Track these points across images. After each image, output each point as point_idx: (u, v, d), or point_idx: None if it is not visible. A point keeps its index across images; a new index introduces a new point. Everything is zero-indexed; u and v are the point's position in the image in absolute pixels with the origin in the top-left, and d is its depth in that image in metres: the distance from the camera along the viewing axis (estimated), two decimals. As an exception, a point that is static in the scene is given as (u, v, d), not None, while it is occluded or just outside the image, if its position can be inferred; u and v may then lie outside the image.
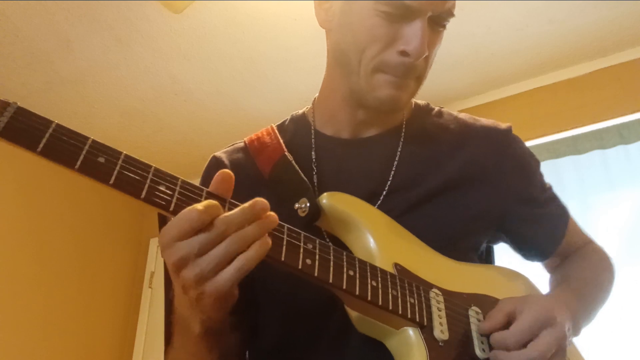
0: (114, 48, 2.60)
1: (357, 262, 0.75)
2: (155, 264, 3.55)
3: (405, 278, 0.79)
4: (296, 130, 1.02)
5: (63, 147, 0.60)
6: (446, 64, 2.73)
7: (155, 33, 2.53)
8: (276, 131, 1.00)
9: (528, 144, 1.06)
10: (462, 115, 1.04)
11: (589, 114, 2.66)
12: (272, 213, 0.66)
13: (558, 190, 1.07)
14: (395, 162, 0.94)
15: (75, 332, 3.12)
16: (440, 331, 0.77)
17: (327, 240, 0.85)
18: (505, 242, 1.03)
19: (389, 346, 0.78)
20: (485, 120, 1.03)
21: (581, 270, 1.01)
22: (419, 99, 1.07)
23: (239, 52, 2.66)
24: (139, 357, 3.31)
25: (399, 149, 0.96)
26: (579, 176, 2.64)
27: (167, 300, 1.01)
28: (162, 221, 0.67)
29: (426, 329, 0.76)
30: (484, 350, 0.79)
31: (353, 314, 0.79)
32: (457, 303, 0.82)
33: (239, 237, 0.62)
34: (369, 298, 0.73)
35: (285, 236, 0.70)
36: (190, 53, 2.65)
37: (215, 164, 1.01)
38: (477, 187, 0.93)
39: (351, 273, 0.73)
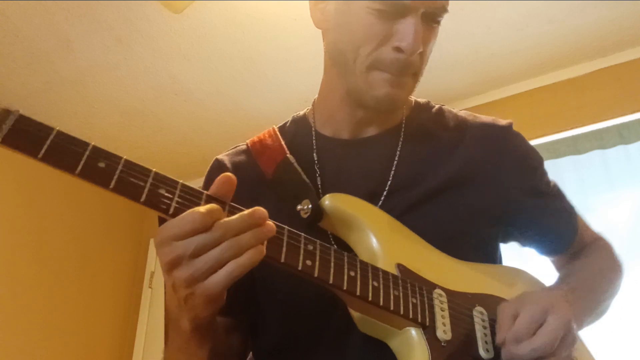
0: (114, 48, 2.60)
1: (358, 263, 0.75)
2: (155, 264, 3.55)
3: (407, 278, 0.79)
4: (297, 131, 1.03)
5: (64, 152, 0.62)
6: (446, 64, 2.73)
7: (155, 33, 2.53)
8: (278, 133, 1.00)
9: (528, 144, 1.06)
10: (462, 113, 1.04)
11: (589, 114, 2.66)
12: (271, 222, 0.67)
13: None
14: (395, 162, 0.94)
15: (75, 332, 3.12)
16: (443, 331, 0.77)
17: (332, 241, 0.85)
18: (518, 239, 1.02)
19: (392, 346, 0.78)
20: (485, 117, 1.03)
21: (586, 265, 1.00)
22: (420, 98, 1.07)
23: (239, 52, 2.66)
24: (139, 357, 3.31)
25: (399, 148, 0.96)
26: (579, 176, 2.65)
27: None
28: (163, 222, 0.67)
29: (429, 329, 0.76)
30: (487, 350, 0.79)
31: (355, 314, 0.79)
32: (460, 303, 0.82)
33: (235, 243, 0.63)
34: (370, 298, 0.73)
35: (285, 238, 0.70)
36: (190, 53, 2.65)
37: (218, 167, 1.01)
38: (479, 183, 0.93)
39: (352, 274, 0.73)
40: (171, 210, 0.65)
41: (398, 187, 0.91)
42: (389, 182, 0.91)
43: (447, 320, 0.78)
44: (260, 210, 0.66)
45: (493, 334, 0.80)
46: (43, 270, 3.03)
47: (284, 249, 0.69)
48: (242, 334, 0.95)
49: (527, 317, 0.76)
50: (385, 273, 0.77)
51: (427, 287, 0.80)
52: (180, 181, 0.68)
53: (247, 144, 1.03)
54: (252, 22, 2.49)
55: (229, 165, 1.00)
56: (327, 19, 0.94)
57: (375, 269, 0.76)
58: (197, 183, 1.02)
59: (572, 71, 2.78)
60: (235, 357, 0.95)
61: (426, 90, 0.95)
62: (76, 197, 3.15)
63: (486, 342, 0.79)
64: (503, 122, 1.02)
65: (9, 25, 2.42)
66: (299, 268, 0.70)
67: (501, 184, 0.95)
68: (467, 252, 0.90)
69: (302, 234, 0.73)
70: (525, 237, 1.02)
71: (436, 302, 0.79)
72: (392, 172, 0.92)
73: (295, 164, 0.92)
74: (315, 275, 0.70)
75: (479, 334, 0.80)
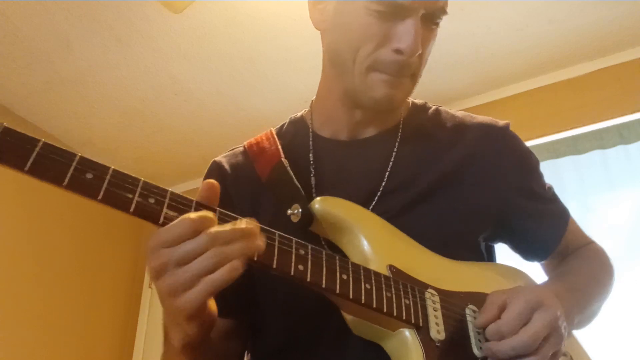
0: (114, 48, 2.60)
1: (350, 266, 0.75)
2: (155, 264, 3.55)
3: (399, 279, 0.78)
4: (295, 133, 1.02)
5: (50, 165, 0.61)
6: (446, 64, 2.73)
7: (155, 33, 2.53)
8: (275, 135, 1.00)
9: (528, 144, 1.05)
10: (460, 113, 1.04)
11: (589, 114, 2.66)
12: (261, 239, 0.66)
13: (558, 190, 1.06)
14: (391, 162, 0.94)
15: (75, 332, 3.13)
16: (437, 331, 0.77)
17: (324, 244, 0.85)
18: (505, 240, 1.02)
19: (386, 348, 0.78)
20: (482, 118, 1.03)
21: (577, 267, 1.00)
22: (418, 98, 1.07)
23: (239, 52, 2.66)
24: (139, 357, 3.31)
25: (395, 149, 0.96)
26: (579, 176, 2.64)
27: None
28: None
29: (422, 330, 0.76)
30: (481, 348, 0.79)
31: (349, 317, 0.79)
32: (453, 302, 0.82)
33: (216, 254, 0.61)
34: (363, 301, 0.73)
35: (276, 243, 0.70)
36: (190, 53, 2.66)
37: (216, 169, 1.01)
38: (474, 181, 0.93)
39: (344, 277, 0.73)
40: (161, 220, 0.64)
41: (393, 188, 0.91)
42: (384, 182, 0.91)
43: (440, 320, 0.78)
44: (253, 225, 0.65)
45: None
46: (43, 270, 3.03)
47: (276, 255, 0.69)
48: (241, 338, 0.95)
49: (514, 312, 0.76)
50: (377, 275, 0.77)
51: (419, 287, 0.80)
52: (170, 189, 0.67)
53: (244, 146, 1.03)
54: (252, 22, 2.49)
55: (226, 167, 1.00)
56: (326, 20, 0.94)
57: (367, 271, 0.76)
58: (196, 183, 1.03)
59: (572, 71, 2.78)
60: (234, 357, 0.95)
61: (426, 90, 0.95)
62: (76, 197, 3.12)
63: (479, 341, 0.79)
64: (501, 122, 1.02)
65: (9, 25, 2.42)
66: (292, 273, 0.69)
67: (497, 184, 0.95)
68: (462, 252, 0.90)
69: (294, 238, 0.72)
70: (512, 239, 1.02)
71: (429, 302, 0.79)
72: (388, 173, 0.92)
73: (289, 168, 0.92)
74: (308, 279, 0.70)
75: (472, 332, 0.80)
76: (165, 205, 0.65)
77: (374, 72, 0.88)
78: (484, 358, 0.78)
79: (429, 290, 0.81)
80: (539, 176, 1.04)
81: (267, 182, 0.93)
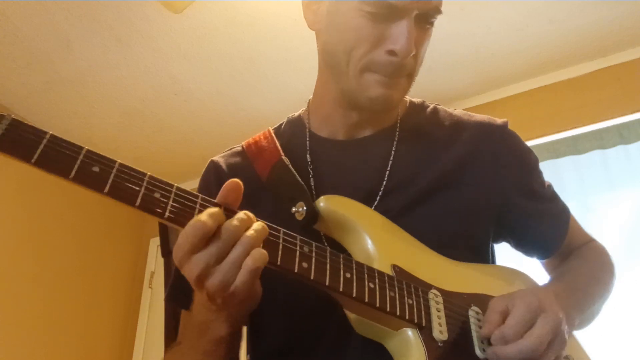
0: (114, 48, 2.60)
1: (354, 265, 0.75)
2: (155, 264, 3.55)
3: (403, 279, 0.78)
4: (292, 132, 1.02)
5: (57, 157, 0.61)
6: (446, 64, 2.73)
7: (155, 33, 2.53)
8: (273, 135, 1.00)
9: (528, 144, 1.05)
10: (458, 112, 1.03)
11: (589, 114, 2.66)
12: (261, 222, 0.69)
13: (558, 191, 1.06)
14: (390, 162, 0.94)
15: (75, 332, 3.13)
16: (439, 331, 0.76)
17: (325, 243, 0.85)
18: (507, 239, 1.02)
19: (389, 347, 0.78)
20: (480, 116, 1.02)
21: (577, 266, 1.00)
22: (417, 98, 1.07)
23: (239, 52, 2.66)
24: (139, 357, 3.31)
25: (394, 148, 0.95)
26: (579, 176, 2.65)
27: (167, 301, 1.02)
28: (163, 225, 0.68)
29: (425, 330, 0.76)
30: (484, 350, 0.78)
31: (352, 316, 0.79)
32: (456, 303, 0.82)
33: (244, 242, 0.65)
34: (367, 300, 0.73)
35: (280, 241, 0.70)
36: (190, 53, 2.66)
37: (213, 169, 1.01)
38: (473, 181, 0.93)
39: (348, 275, 0.73)
40: (166, 214, 0.65)
41: (393, 188, 0.91)
42: (384, 183, 0.91)
43: (443, 321, 0.78)
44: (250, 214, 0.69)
45: None
46: (43, 270, 3.03)
47: (280, 252, 0.69)
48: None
49: (517, 317, 0.76)
50: (381, 274, 0.77)
51: (422, 287, 0.80)
52: (175, 184, 0.68)
53: (242, 146, 1.03)
54: (252, 22, 2.49)
55: (224, 167, 1.00)
56: (320, 21, 0.94)
57: (371, 270, 0.76)
58: (196, 183, 1.03)
59: (572, 71, 2.78)
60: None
61: (426, 90, 0.95)
62: (76, 197, 3.15)
63: (482, 342, 0.79)
64: (499, 121, 1.01)
65: (9, 25, 2.42)
66: (295, 270, 0.70)
67: (496, 183, 0.94)
68: (462, 251, 0.90)
69: (298, 236, 0.73)
70: (513, 238, 1.02)
71: (432, 302, 0.79)
72: (387, 173, 0.92)
73: (290, 166, 0.91)
74: (312, 277, 0.70)
75: (474, 333, 0.80)
76: (171, 199, 0.66)
77: (368, 72, 0.88)
78: (486, 359, 0.78)
79: (433, 290, 0.81)
80: (538, 174, 1.03)
81: (267, 181, 0.92)
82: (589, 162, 2.65)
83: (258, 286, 0.74)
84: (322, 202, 0.83)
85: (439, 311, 0.79)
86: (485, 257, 0.97)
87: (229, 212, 0.68)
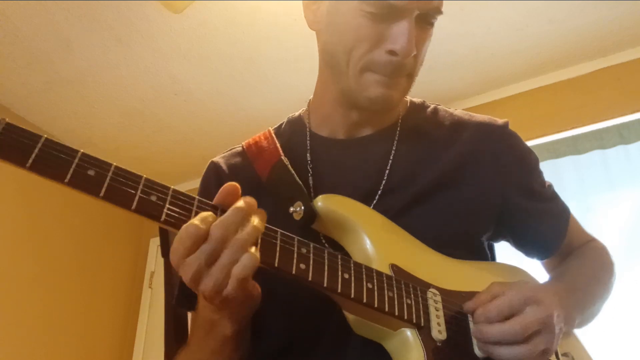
0: (114, 48, 2.60)
1: (352, 265, 0.75)
2: (155, 264, 3.55)
3: (401, 279, 0.78)
4: (292, 132, 1.02)
5: (52, 161, 0.61)
6: (446, 64, 2.73)
7: (155, 33, 2.53)
8: (273, 135, 1.00)
9: (528, 144, 1.05)
10: (458, 112, 1.03)
11: (589, 114, 2.66)
12: (261, 213, 0.69)
13: (558, 190, 1.06)
14: (390, 161, 0.93)
15: (75, 332, 3.13)
16: (438, 331, 0.76)
17: (324, 243, 0.85)
18: (507, 238, 1.02)
19: (387, 347, 0.78)
20: (481, 116, 1.02)
21: (577, 266, 0.99)
22: (417, 98, 1.07)
23: (239, 52, 2.66)
24: (139, 357, 3.31)
25: (394, 148, 0.95)
26: (579, 176, 2.64)
27: (167, 301, 1.02)
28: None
29: (423, 330, 0.76)
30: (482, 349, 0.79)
31: (350, 316, 0.79)
32: (455, 302, 0.82)
33: (235, 244, 0.64)
34: (365, 300, 0.73)
35: (278, 242, 0.70)
36: (190, 53, 2.66)
37: (214, 169, 1.01)
38: (473, 181, 0.93)
39: (346, 276, 0.73)
40: (162, 217, 0.64)
41: (393, 187, 0.91)
42: (384, 182, 0.91)
43: (442, 320, 0.78)
44: (249, 198, 0.69)
45: None
46: (43, 270, 3.03)
47: (277, 254, 0.69)
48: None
49: (505, 301, 0.76)
50: (379, 274, 0.76)
51: (421, 287, 0.80)
52: (172, 187, 0.67)
53: (242, 146, 1.03)
54: (252, 22, 2.49)
55: (224, 167, 1.00)
56: (320, 21, 0.94)
57: (369, 270, 0.76)
58: (196, 183, 1.03)
59: (572, 71, 2.78)
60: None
61: (426, 90, 0.95)
62: (76, 197, 3.10)
63: (479, 343, 0.79)
64: (499, 121, 1.01)
65: (9, 25, 2.42)
66: (293, 272, 0.69)
67: (496, 183, 0.94)
68: (462, 251, 0.89)
69: (296, 236, 0.72)
70: (513, 237, 1.01)
71: (430, 302, 0.79)
72: (387, 172, 0.92)
73: (289, 166, 0.91)
74: (310, 279, 0.70)
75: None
76: (167, 202, 0.65)
77: (369, 72, 0.88)
78: (485, 359, 0.78)
79: (431, 289, 0.81)
80: (538, 174, 1.03)
81: (267, 181, 0.92)
82: (589, 162, 2.65)
83: (253, 287, 0.74)
84: (320, 202, 0.82)
85: (437, 310, 0.78)
86: (484, 256, 0.97)
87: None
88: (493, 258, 1.01)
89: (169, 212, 0.65)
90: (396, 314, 0.74)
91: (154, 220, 0.65)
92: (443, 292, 0.82)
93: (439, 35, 0.92)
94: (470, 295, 0.84)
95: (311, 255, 0.72)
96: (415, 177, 0.91)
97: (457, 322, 0.80)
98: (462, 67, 2.78)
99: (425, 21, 0.88)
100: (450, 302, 0.81)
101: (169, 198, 0.66)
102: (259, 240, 0.68)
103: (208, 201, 0.69)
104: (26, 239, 2.99)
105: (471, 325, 0.80)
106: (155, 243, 3.60)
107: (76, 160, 0.62)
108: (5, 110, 2.91)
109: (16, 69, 2.69)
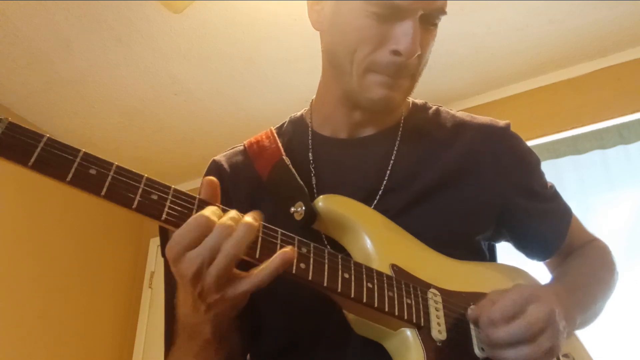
0: (114, 48, 2.60)
1: (352, 265, 0.75)
2: (155, 264, 3.55)
3: (402, 279, 0.78)
4: (294, 132, 1.02)
5: (54, 160, 0.61)
6: (446, 64, 2.73)
7: (155, 33, 2.53)
8: (275, 134, 1.00)
9: (528, 144, 1.05)
10: (460, 114, 1.03)
11: (589, 114, 2.66)
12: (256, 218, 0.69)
13: (558, 190, 1.06)
14: (392, 161, 0.94)
15: (75, 332, 3.13)
16: (438, 331, 0.76)
17: (325, 243, 0.85)
18: (508, 239, 1.02)
19: (387, 347, 0.78)
20: (483, 118, 1.02)
21: (578, 266, 1.00)
22: (418, 99, 1.07)
23: (239, 52, 2.66)
24: (139, 357, 3.31)
25: (396, 148, 0.95)
26: (579, 176, 2.64)
27: (167, 301, 1.01)
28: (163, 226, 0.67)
29: (423, 330, 0.76)
30: (482, 349, 0.79)
31: (350, 316, 0.79)
32: (455, 302, 0.82)
33: (236, 240, 0.64)
34: (365, 300, 0.73)
35: (278, 242, 0.70)
36: (190, 53, 2.66)
37: (215, 168, 1.01)
38: (474, 181, 0.93)
39: (346, 276, 0.73)
40: (163, 216, 0.64)
41: (394, 187, 0.91)
42: (385, 182, 0.91)
43: (442, 320, 0.78)
44: (256, 215, 0.68)
45: None
46: (43, 270, 3.03)
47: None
48: (243, 337, 0.95)
49: (507, 302, 0.76)
50: (380, 274, 0.76)
51: (421, 287, 0.80)
52: (172, 186, 0.67)
53: (244, 145, 1.03)
54: (252, 22, 2.49)
55: (226, 166, 1.00)
56: (324, 21, 0.94)
57: (370, 270, 0.76)
58: (196, 183, 1.03)
59: (572, 71, 2.78)
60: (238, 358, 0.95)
61: (426, 90, 0.95)
62: (76, 197, 3.11)
63: (481, 341, 0.79)
64: (501, 122, 1.01)
65: (9, 25, 2.42)
66: (293, 272, 0.69)
67: (497, 184, 0.94)
68: (462, 251, 0.90)
69: (296, 236, 0.72)
70: (514, 238, 1.02)
71: (431, 302, 0.79)
72: (389, 172, 0.92)
73: (291, 166, 0.91)
74: (310, 278, 0.70)
75: (473, 333, 0.80)
76: (168, 201, 0.65)
77: (372, 73, 0.88)
78: (485, 359, 0.78)
79: (431, 290, 0.81)
80: (539, 175, 1.03)
81: (268, 180, 0.92)
82: (589, 162, 2.65)
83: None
84: (321, 202, 0.83)
85: (437, 311, 0.79)
86: (485, 257, 0.97)
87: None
88: (494, 259, 1.01)
89: (170, 211, 0.65)
90: (396, 313, 0.74)
91: (154, 219, 0.65)
92: (443, 292, 0.82)
93: (439, 35, 0.92)
94: (471, 295, 0.84)
95: (311, 254, 0.72)
96: (416, 177, 0.92)
97: (457, 322, 0.80)
98: (462, 67, 2.78)
99: (429, 22, 0.88)
100: (450, 302, 0.81)
101: (170, 197, 0.66)
102: (259, 240, 0.68)
103: (208, 201, 0.69)
104: (26, 239, 2.99)
105: (471, 326, 0.80)
106: (155, 243, 3.60)
107: (78, 160, 0.62)
108: (6, 111, 2.91)
109: (16, 69, 2.69)
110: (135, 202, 0.64)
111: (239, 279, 0.66)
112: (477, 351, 0.78)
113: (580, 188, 2.62)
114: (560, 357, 0.87)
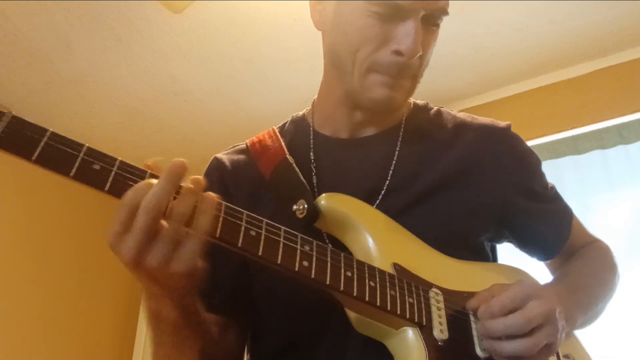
0: (114, 48, 2.60)
1: (354, 263, 0.75)
2: (155, 264, 3.54)
3: (404, 278, 0.78)
4: (296, 131, 1.03)
5: (58, 155, 0.61)
6: (446, 64, 2.73)
7: (155, 33, 2.53)
8: (277, 134, 1.00)
9: (528, 144, 1.05)
10: (461, 115, 1.04)
11: (589, 114, 2.66)
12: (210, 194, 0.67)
13: (558, 190, 1.06)
14: (394, 161, 0.94)
15: (75, 332, 3.12)
16: (440, 330, 0.76)
17: (327, 241, 0.85)
18: (509, 239, 1.02)
19: (389, 346, 0.78)
20: (483, 119, 1.03)
21: (580, 266, 1.00)
22: (418, 99, 1.07)
23: (239, 52, 2.66)
24: (139, 357, 3.31)
25: (397, 148, 0.96)
26: (579, 176, 2.64)
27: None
28: None
29: (425, 329, 0.76)
30: (484, 349, 0.79)
31: (352, 315, 0.79)
32: (457, 302, 0.82)
33: (156, 189, 0.62)
34: (367, 299, 0.73)
35: (281, 239, 0.70)
36: (190, 53, 2.65)
37: (216, 165, 1.01)
38: (475, 180, 0.93)
39: (349, 274, 0.73)
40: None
41: (396, 186, 0.91)
42: (387, 181, 0.91)
43: (444, 320, 0.78)
44: (179, 163, 0.66)
45: None
46: (43, 270, 3.03)
47: (281, 250, 0.69)
48: (239, 333, 0.95)
49: (507, 296, 0.76)
50: (382, 273, 0.77)
51: (423, 286, 0.80)
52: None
53: (246, 144, 1.03)
54: (252, 22, 2.48)
55: (227, 164, 1.00)
56: (326, 21, 0.94)
57: (372, 269, 0.76)
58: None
59: (572, 71, 2.78)
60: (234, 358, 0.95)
61: (426, 90, 0.94)
62: (76, 197, 3.14)
63: (482, 341, 0.79)
64: (502, 123, 1.02)
65: (9, 25, 2.42)
66: (296, 269, 0.69)
67: (498, 184, 0.95)
68: (463, 251, 0.90)
69: (299, 234, 0.72)
70: (515, 238, 1.02)
71: (432, 301, 0.79)
72: (391, 172, 0.92)
73: (294, 165, 0.92)
74: (312, 276, 0.70)
75: (475, 332, 0.80)
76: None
77: (373, 73, 0.88)
78: (487, 358, 0.78)
79: (433, 289, 0.81)
80: (540, 176, 1.03)
81: (270, 179, 0.92)
82: (589, 162, 2.64)
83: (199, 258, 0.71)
84: (323, 200, 0.83)
85: (439, 310, 0.79)
86: (485, 257, 0.97)
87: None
88: (495, 259, 1.01)
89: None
90: (398, 312, 0.74)
91: None
92: (445, 291, 0.82)
93: (439, 35, 0.92)
94: (472, 295, 0.84)
95: (314, 252, 0.72)
96: (417, 178, 0.92)
97: (459, 321, 0.80)
98: (462, 67, 2.78)
99: (430, 22, 0.88)
100: (452, 302, 0.81)
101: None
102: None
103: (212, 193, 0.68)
104: (26, 239, 2.99)
105: (473, 325, 0.81)
106: (155, 243, 3.59)
107: (82, 154, 0.63)
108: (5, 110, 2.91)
109: (16, 69, 2.68)
110: None
111: (179, 242, 0.64)
112: (478, 351, 0.78)
113: (580, 188, 2.61)
114: (561, 358, 0.88)
